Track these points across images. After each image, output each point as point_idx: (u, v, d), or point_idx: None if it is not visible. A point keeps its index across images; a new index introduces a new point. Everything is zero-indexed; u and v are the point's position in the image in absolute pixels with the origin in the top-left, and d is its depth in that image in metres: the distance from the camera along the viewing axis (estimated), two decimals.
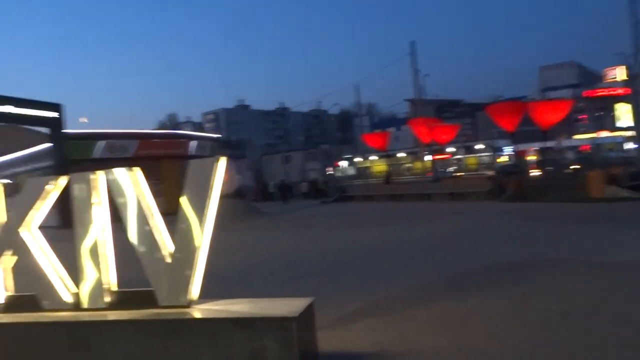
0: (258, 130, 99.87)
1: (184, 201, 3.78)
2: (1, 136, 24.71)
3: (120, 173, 3.94)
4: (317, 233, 11.66)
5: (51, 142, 22.88)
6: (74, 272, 4.00)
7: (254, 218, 16.53)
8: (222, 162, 3.82)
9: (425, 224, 11.90)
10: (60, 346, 3.76)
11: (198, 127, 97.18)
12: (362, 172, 36.76)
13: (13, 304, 4.25)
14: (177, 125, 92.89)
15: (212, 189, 3.80)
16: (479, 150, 38.25)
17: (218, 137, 36.24)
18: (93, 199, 4.02)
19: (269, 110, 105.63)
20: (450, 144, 32.59)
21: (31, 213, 4.18)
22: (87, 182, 4.02)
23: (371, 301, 5.11)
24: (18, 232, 4.14)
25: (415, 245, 8.96)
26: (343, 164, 47.92)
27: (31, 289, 4.15)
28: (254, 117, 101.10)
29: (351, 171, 46.32)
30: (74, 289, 4.08)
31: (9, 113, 20.40)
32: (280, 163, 57.48)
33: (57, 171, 22.34)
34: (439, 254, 7.90)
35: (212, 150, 30.61)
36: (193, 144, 29.52)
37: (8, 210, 4.34)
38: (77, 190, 4.05)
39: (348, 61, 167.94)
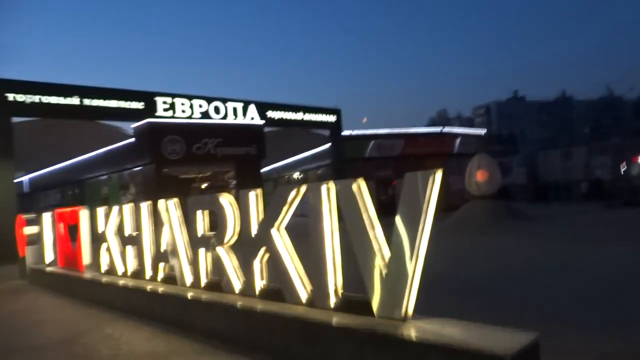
0: (534, 123, 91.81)
1: (399, 215, 3.77)
2: (294, 138, 29.48)
3: (346, 184, 4.16)
4: (583, 246, 9.93)
5: (331, 143, 26.03)
6: (315, 269, 4.41)
7: (514, 222, 15.22)
8: (439, 175, 3.65)
9: None
10: (294, 337, 4.22)
11: (468, 122, 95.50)
12: None
13: (266, 294, 5.00)
14: (446, 121, 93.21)
15: (427, 203, 3.67)
16: None
17: (483, 133, 34.89)
18: (324, 207, 4.34)
19: (548, 101, 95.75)
20: None
21: (280, 216, 4.80)
22: (320, 192, 4.37)
23: (627, 347, 4.07)
24: (270, 231, 4.82)
25: None
26: None
27: (278, 282, 4.76)
28: (530, 109, 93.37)
29: None
30: (310, 287, 4.51)
31: (300, 119, 23.95)
32: (560, 159, 51.53)
33: (335, 169, 25.74)
34: None
35: (477, 146, 29.79)
36: (458, 140, 29.36)
37: (264, 212, 5.08)
38: (311, 199, 4.45)
39: None
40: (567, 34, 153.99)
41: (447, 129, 32.89)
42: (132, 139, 19.42)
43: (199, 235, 5.90)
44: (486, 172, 17.13)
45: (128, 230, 7.28)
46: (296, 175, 33.29)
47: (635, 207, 19.76)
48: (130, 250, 7.29)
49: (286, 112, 23.15)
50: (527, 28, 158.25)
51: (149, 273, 6.82)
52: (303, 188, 4.67)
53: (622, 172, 37.60)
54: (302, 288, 4.57)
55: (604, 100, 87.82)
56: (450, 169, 29.10)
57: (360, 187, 4.09)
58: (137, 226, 7.04)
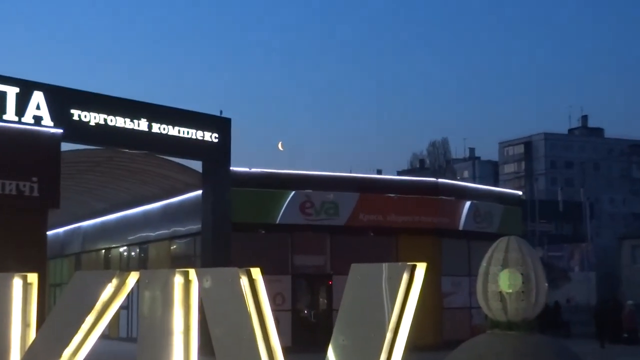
0: (618, 182, 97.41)
1: (333, 348, 3.89)
2: (137, 172, 28.84)
3: (225, 277, 4.22)
4: None
5: (203, 189, 26.15)
6: None
7: None
8: (421, 273, 3.77)
9: None
10: None
11: (489, 169, 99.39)
12: None
13: None
14: (446, 163, 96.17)
15: (392, 330, 3.77)
16: None
17: (519, 195, 36.07)
18: (174, 320, 4.34)
19: None
20: None
21: (75, 338, 4.71)
22: (168, 288, 4.33)
23: None
24: None
25: None
26: None
27: None
28: (611, 154, 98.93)
29: None
30: None
31: (145, 133, 23.72)
32: None
33: (210, 242, 25.32)
34: None
35: (504, 221, 31.25)
36: (466, 205, 30.55)
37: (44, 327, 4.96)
38: (147, 302, 4.44)
39: None
40: None
41: (445, 181, 33.62)
42: None
43: None
44: (519, 276, 17.74)
45: None
46: (123, 250, 32.71)
47: None
48: None
49: (114, 116, 22.89)
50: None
51: None
52: (132, 278, 4.64)
53: None
54: None
55: None
56: (447, 263, 28.49)
57: (257, 287, 4.12)
58: None
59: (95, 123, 22.41)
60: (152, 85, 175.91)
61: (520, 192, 38.43)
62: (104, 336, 4.75)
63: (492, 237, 20.86)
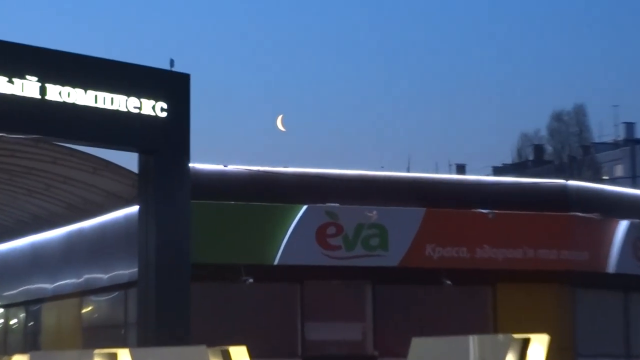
0: None
1: None
2: (24, 174, 27.89)
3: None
4: None
5: (142, 204, 24.73)
6: None
7: None
8: (536, 350, 4.35)
9: None
10: None
11: None
12: None
13: None
14: (582, 150, 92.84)
15: None
16: None
17: None
18: None
19: None
20: None
21: None
22: None
23: None
24: None
25: None
26: None
27: None
28: None
29: None
30: None
31: (33, 99, 22.27)
32: None
33: (158, 300, 22.64)
34: None
35: None
36: (621, 227, 28.65)
37: None
38: None
39: None
40: None
41: (581, 183, 33.15)
42: None
43: None
44: None
45: None
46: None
47: None
48: None
49: None
50: None
51: None
52: None
53: None
54: None
55: None
56: (587, 334, 28.34)
57: None
58: None
59: None
60: (56, 25, 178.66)
61: None
62: None
63: None
